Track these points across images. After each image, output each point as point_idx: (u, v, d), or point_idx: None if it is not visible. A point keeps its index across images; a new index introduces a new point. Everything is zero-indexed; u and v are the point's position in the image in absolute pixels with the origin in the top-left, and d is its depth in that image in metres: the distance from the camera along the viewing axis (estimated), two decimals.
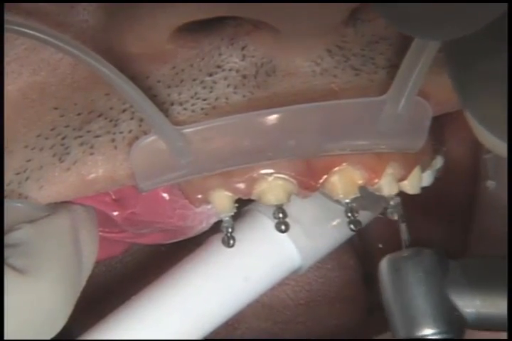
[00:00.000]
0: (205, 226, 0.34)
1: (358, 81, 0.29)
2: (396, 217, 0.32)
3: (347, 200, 0.31)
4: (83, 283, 0.30)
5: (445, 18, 0.20)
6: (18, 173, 0.29)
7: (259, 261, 0.34)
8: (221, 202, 0.30)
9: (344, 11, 0.27)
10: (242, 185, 0.30)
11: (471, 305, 0.30)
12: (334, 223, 0.35)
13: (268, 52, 0.29)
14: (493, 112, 0.24)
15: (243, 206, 0.34)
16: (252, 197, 0.31)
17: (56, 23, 0.28)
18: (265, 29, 0.28)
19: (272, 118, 0.28)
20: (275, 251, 0.34)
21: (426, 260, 0.31)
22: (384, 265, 0.31)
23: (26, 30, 0.26)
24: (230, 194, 0.30)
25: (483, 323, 0.30)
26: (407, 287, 0.30)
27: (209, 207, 0.32)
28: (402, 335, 0.30)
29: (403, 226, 0.33)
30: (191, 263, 0.34)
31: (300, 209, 0.34)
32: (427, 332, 0.30)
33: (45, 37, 0.26)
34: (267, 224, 0.34)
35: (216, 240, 0.33)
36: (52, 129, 0.29)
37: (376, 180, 0.31)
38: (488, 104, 0.24)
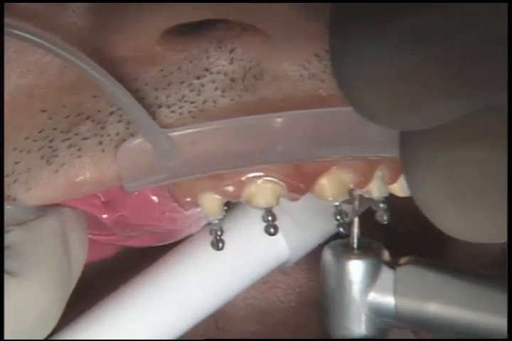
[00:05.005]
0: (194, 229, 0.34)
1: None
2: (386, 221, 0.32)
3: (336, 203, 0.31)
4: (73, 284, 0.30)
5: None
6: (6, 175, 0.29)
7: (247, 249, 0.34)
8: (210, 205, 0.30)
9: None
10: (231, 188, 0.30)
11: (390, 311, 0.32)
12: (323, 214, 0.35)
13: (256, 56, 0.29)
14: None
15: None
16: (241, 200, 0.31)
17: (45, 25, 0.28)
18: (254, 32, 0.28)
19: (260, 124, 0.28)
20: (263, 240, 0.34)
21: (361, 263, 0.32)
22: (325, 256, 0.33)
23: (18, 33, 0.26)
24: (219, 197, 0.30)
25: (407, 326, 0.32)
26: (338, 286, 0.33)
27: (198, 209, 0.32)
28: (331, 332, 0.33)
29: (356, 221, 0.33)
30: (180, 253, 0.34)
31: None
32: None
33: (37, 39, 0.26)
34: (254, 213, 0.33)
35: (204, 231, 0.33)
36: (40, 132, 0.29)
37: (366, 183, 0.31)
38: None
